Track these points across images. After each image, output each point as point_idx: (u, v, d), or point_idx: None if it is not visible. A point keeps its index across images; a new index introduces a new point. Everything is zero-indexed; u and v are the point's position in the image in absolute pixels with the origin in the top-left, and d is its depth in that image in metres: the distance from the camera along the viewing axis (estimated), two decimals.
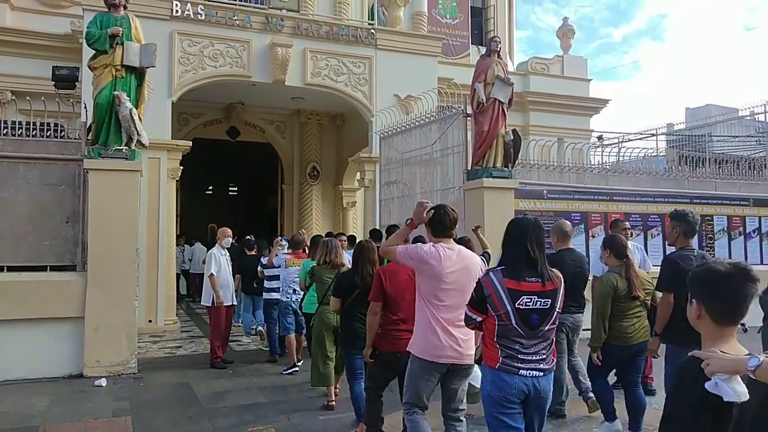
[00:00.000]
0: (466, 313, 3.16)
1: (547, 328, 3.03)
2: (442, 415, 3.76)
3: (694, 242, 4.47)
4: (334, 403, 5.64)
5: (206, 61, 11.01)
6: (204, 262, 8.35)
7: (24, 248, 7.17)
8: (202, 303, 8.20)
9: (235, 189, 25.52)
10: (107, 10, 7.51)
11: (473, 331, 3.42)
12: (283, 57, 11.24)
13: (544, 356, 3.04)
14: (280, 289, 7.59)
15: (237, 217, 21.46)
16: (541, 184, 9.73)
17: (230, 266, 8.04)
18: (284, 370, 7.26)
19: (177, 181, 11.11)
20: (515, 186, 8.71)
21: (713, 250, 10.87)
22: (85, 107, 7.89)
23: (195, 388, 6.60)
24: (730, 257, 10.54)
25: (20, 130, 7.40)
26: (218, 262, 7.73)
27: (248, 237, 10.38)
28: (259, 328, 9.10)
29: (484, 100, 8.32)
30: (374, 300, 4.17)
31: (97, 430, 5.13)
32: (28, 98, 8.27)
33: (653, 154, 13.78)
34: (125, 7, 7.60)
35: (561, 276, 3.15)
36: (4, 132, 7.35)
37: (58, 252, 7.29)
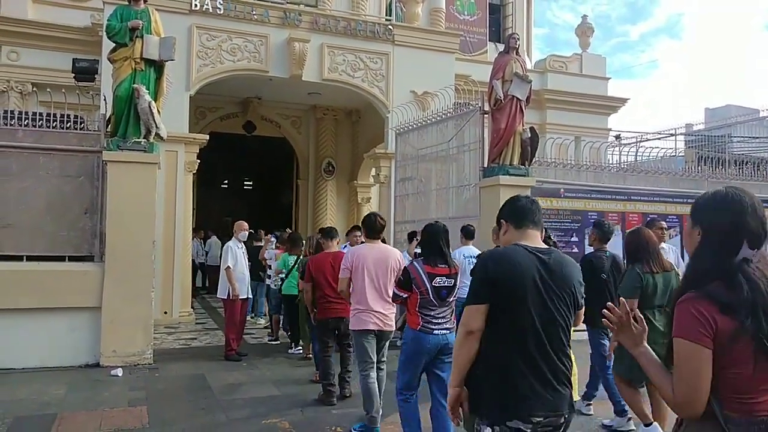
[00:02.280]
0: (394, 292, 4.36)
1: (451, 299, 4.19)
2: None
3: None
4: (311, 355, 7.15)
5: (224, 56, 11.05)
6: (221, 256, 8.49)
7: (43, 238, 7.26)
8: (218, 295, 8.25)
9: (251, 183, 25.64)
10: (127, 3, 7.58)
11: (393, 307, 4.83)
12: (300, 52, 11.26)
13: (448, 320, 4.19)
14: (271, 278, 8.98)
15: (252, 212, 21.53)
16: (558, 183, 9.66)
17: (247, 259, 8.09)
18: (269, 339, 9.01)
19: (194, 174, 11.19)
20: (532, 184, 8.66)
21: None
22: (105, 99, 7.96)
23: (209, 379, 6.65)
24: None
25: (41, 122, 7.49)
26: (235, 256, 7.78)
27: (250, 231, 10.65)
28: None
29: (502, 97, 8.28)
30: (305, 282, 5.95)
31: (113, 418, 5.18)
32: (48, 90, 8.37)
33: (672, 155, 13.63)
34: (145, 1, 7.67)
35: (459, 264, 4.41)
36: (25, 123, 7.44)
37: (76, 243, 7.38)
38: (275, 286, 8.72)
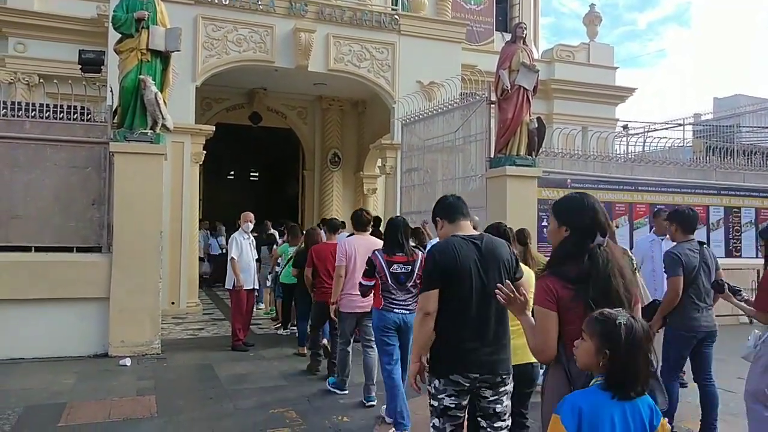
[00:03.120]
0: (360, 283, 4.90)
1: (410, 284, 4.76)
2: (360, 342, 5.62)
3: (720, 233, 4.57)
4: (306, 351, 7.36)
5: (230, 46, 11.03)
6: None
7: (51, 229, 7.30)
8: (225, 286, 8.30)
9: (257, 175, 25.67)
10: None
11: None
12: (306, 42, 11.22)
13: (410, 303, 4.75)
14: (279, 264, 9.30)
15: (259, 203, 21.57)
16: (565, 173, 9.62)
17: (253, 250, 8.11)
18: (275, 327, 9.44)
19: (200, 165, 11.21)
20: (538, 174, 8.62)
21: (740, 243, 10.68)
22: (111, 91, 7.97)
23: (217, 369, 6.69)
24: (757, 250, 10.35)
25: (47, 113, 7.51)
26: (240, 246, 7.80)
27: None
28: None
29: (509, 87, 8.22)
30: (308, 267, 6.62)
31: (121, 408, 5.23)
32: (55, 81, 8.39)
33: (680, 145, 13.54)
34: None
35: (419, 252, 4.89)
36: (32, 115, 7.46)
37: (84, 234, 7.41)
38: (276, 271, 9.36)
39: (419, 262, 4.72)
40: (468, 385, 2.89)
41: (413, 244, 5.67)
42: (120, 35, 7.51)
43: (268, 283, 10.56)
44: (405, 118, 10.89)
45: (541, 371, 3.34)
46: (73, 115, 7.59)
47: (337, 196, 15.31)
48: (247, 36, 11.13)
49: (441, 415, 2.93)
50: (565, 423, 1.95)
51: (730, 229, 10.61)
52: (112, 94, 7.87)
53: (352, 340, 5.72)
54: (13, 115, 7.41)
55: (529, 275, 3.53)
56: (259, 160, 23.88)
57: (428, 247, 7.03)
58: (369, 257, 4.86)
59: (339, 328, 5.88)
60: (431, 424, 2.98)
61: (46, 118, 7.48)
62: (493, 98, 8.63)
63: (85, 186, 7.46)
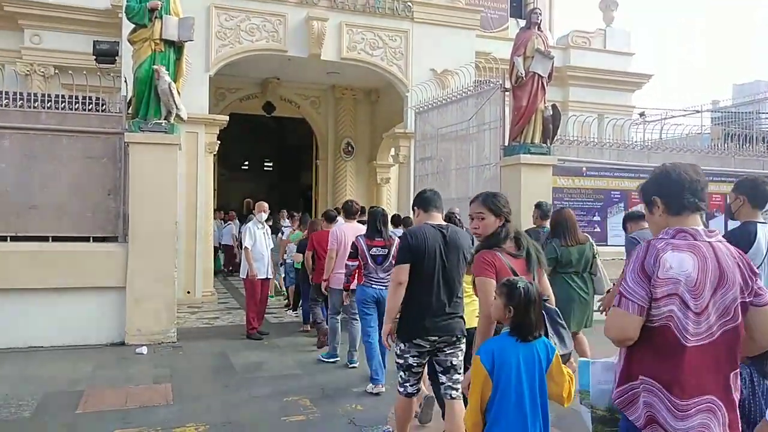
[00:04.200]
0: (346, 264, 5.78)
1: (386, 264, 5.45)
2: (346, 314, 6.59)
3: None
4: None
5: (243, 36, 11.02)
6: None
7: (68, 219, 7.37)
8: (240, 275, 8.34)
9: (271, 164, 25.74)
10: None
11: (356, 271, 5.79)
12: (318, 31, 11.18)
13: (386, 280, 5.29)
14: (287, 252, 9.65)
15: (272, 193, 21.68)
16: (581, 161, 9.52)
17: (268, 239, 8.14)
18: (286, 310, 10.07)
19: (214, 155, 11.25)
20: (553, 162, 8.54)
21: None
22: (126, 81, 8.01)
23: (232, 357, 6.74)
24: None
25: (63, 104, 7.56)
26: (253, 236, 7.83)
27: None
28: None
29: (524, 74, 8.14)
30: (308, 250, 7.60)
31: (138, 395, 5.29)
32: (70, 72, 8.43)
33: (698, 132, 13.33)
34: None
35: (395, 238, 5.39)
36: (48, 106, 7.51)
37: (100, 223, 7.48)
38: (291, 261, 9.53)
39: (395, 246, 5.23)
40: (428, 346, 3.64)
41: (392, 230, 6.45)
42: (133, 25, 7.52)
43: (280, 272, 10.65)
44: (418, 107, 10.83)
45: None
46: (89, 105, 7.63)
47: (350, 185, 15.30)
48: (260, 25, 11.11)
49: (406, 370, 3.71)
50: (483, 361, 2.58)
51: None
52: (127, 85, 7.90)
53: (341, 312, 6.61)
54: (30, 107, 7.47)
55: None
56: (272, 150, 23.95)
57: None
58: (353, 242, 5.70)
59: (329, 302, 6.80)
60: (398, 378, 3.77)
61: (62, 109, 7.53)
62: (508, 85, 8.55)
63: (101, 176, 7.51)
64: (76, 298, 7.17)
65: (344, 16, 11.57)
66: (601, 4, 16.97)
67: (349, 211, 6.68)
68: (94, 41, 10.01)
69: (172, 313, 7.50)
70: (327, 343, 6.84)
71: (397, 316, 3.68)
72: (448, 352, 3.66)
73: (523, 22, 9.87)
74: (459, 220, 5.31)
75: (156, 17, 7.36)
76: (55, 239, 7.30)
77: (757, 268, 2.84)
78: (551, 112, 8.29)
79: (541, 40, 8.32)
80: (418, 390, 3.85)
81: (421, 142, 10.84)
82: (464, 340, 3.71)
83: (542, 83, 8.23)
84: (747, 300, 2.07)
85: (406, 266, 3.63)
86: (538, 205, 6.61)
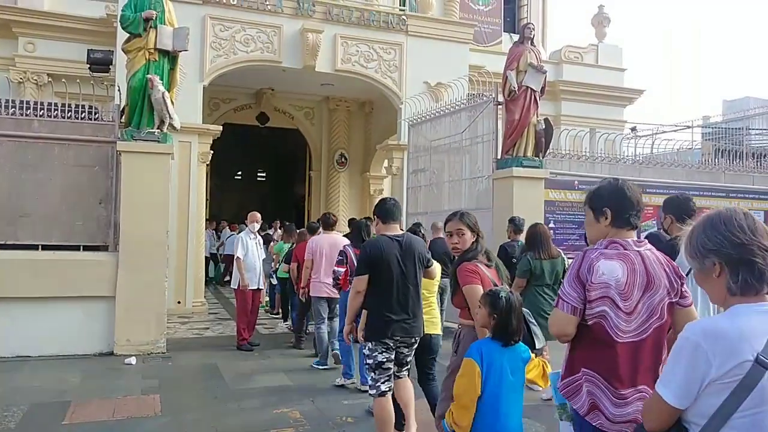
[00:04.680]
0: (334, 270, 5.91)
1: None
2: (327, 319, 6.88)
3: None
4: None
5: (237, 46, 11.06)
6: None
7: (58, 228, 7.33)
8: (232, 286, 8.30)
9: (264, 175, 25.71)
10: None
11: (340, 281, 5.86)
12: (313, 43, 11.23)
13: None
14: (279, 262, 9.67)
15: (265, 203, 21.63)
16: (572, 175, 9.57)
17: (260, 250, 8.12)
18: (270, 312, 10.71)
19: (207, 165, 11.23)
20: (546, 176, 8.59)
21: None
22: (119, 90, 8.00)
23: (222, 369, 6.69)
24: None
25: (56, 112, 7.54)
26: (245, 246, 7.80)
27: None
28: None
29: (516, 88, 8.20)
30: (292, 262, 8.04)
31: (126, 406, 5.23)
32: (63, 81, 8.43)
33: (688, 147, 13.45)
34: None
35: None
36: (41, 114, 7.49)
37: (91, 232, 7.44)
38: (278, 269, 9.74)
39: None
40: (392, 345, 4.00)
41: None
42: (128, 35, 7.53)
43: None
44: (412, 119, 10.88)
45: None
46: (81, 114, 7.62)
47: (343, 196, 15.30)
48: (255, 36, 11.15)
49: (376, 368, 3.99)
50: (474, 359, 2.85)
51: None
52: (120, 94, 7.89)
53: (326, 319, 6.82)
54: (22, 114, 7.44)
55: (435, 265, 4.58)
56: (266, 161, 23.92)
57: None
58: (341, 250, 6.00)
59: (313, 310, 7.04)
60: (369, 378, 4.09)
61: (55, 117, 7.51)
62: (501, 99, 8.61)
63: (92, 185, 7.48)
64: (66, 308, 7.10)
65: (339, 28, 11.64)
66: (593, 20, 17.15)
67: (326, 223, 7.11)
68: (88, 50, 10.01)
69: (162, 324, 7.44)
70: (297, 342, 7.71)
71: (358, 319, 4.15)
72: (405, 352, 4.14)
73: (516, 37, 9.96)
74: (423, 234, 5.53)
75: (151, 27, 7.38)
76: (45, 248, 7.24)
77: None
78: (544, 126, 8.34)
79: (534, 54, 8.39)
80: (390, 388, 4.06)
81: (415, 154, 10.87)
82: (417, 342, 4.18)
83: (535, 97, 8.29)
84: (673, 301, 2.30)
85: (365, 277, 4.00)
86: (512, 220, 6.93)
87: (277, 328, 9.56)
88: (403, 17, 12.16)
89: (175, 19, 7.74)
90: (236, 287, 7.83)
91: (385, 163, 13.06)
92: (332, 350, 6.76)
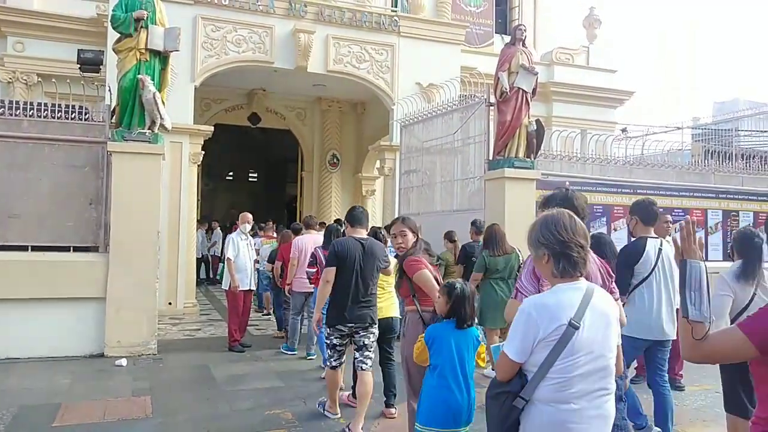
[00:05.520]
0: (306, 271, 6.66)
1: None
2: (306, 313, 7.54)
3: (718, 237, 4.57)
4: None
5: (229, 47, 11.03)
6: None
7: (48, 229, 7.28)
8: (222, 287, 8.28)
9: (256, 175, 25.65)
10: None
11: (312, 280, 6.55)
12: (305, 43, 11.22)
13: None
14: (259, 261, 9.51)
15: (257, 204, 21.59)
16: (564, 176, 9.60)
17: (251, 251, 8.10)
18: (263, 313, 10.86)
19: (198, 166, 11.19)
20: (537, 177, 8.61)
21: None
22: (110, 90, 7.95)
23: (213, 370, 6.67)
24: None
25: (46, 112, 7.49)
26: (237, 247, 7.79)
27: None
28: None
29: (508, 89, 8.22)
30: (277, 260, 8.41)
31: (117, 408, 5.20)
32: (53, 81, 8.38)
33: (678, 148, 13.54)
34: None
35: None
36: (30, 114, 7.44)
37: (81, 233, 7.39)
38: (263, 268, 9.73)
39: None
40: (347, 330, 4.72)
41: None
42: (119, 35, 7.49)
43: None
44: (404, 120, 10.89)
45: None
46: (72, 114, 7.57)
47: (335, 197, 15.29)
48: (247, 36, 11.12)
49: (331, 348, 4.82)
50: (425, 340, 3.45)
51: (728, 233, 10.60)
52: (111, 94, 7.85)
53: (301, 312, 7.57)
54: (12, 114, 7.38)
55: (392, 263, 5.22)
56: (257, 161, 23.87)
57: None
58: (312, 252, 6.62)
59: (291, 303, 7.71)
60: (326, 357, 5.09)
61: (45, 117, 7.46)
62: (492, 100, 8.63)
63: (82, 185, 7.44)
64: (56, 309, 7.05)
65: (331, 29, 11.63)
66: (584, 21, 17.25)
67: (308, 224, 7.92)
68: (78, 50, 9.93)
69: (153, 325, 7.41)
70: (285, 337, 7.98)
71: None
72: (362, 334, 4.77)
73: (507, 38, 9.99)
74: (383, 236, 6.10)
75: (142, 27, 7.35)
76: (35, 249, 7.19)
77: (648, 274, 4.42)
78: (535, 127, 8.37)
79: (526, 56, 8.41)
80: (341, 364, 4.95)
81: (407, 155, 10.88)
82: (375, 326, 4.84)
83: (526, 98, 8.31)
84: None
85: (333, 269, 4.69)
86: (473, 223, 7.55)
87: (269, 330, 9.52)
88: (395, 18, 12.18)
89: (166, 19, 7.72)
90: (227, 288, 7.80)
91: (378, 164, 13.06)
92: (314, 343, 7.22)
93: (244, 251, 7.90)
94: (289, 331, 7.76)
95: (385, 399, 5.25)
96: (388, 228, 9.01)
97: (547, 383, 2.15)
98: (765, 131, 21.29)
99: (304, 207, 15.88)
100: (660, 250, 4.46)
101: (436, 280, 4.13)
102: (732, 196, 10.79)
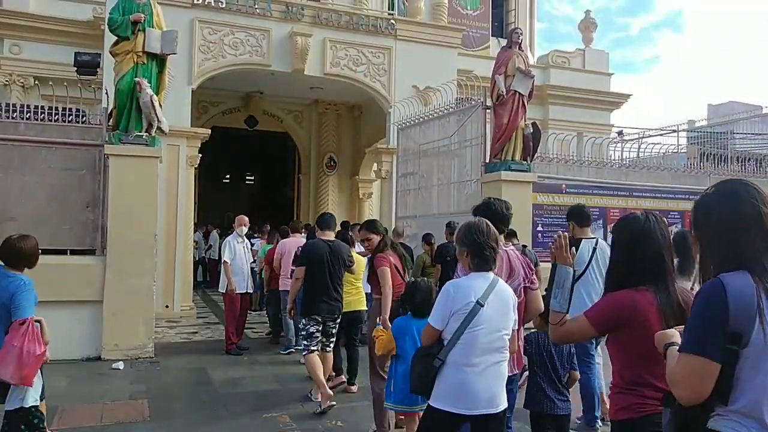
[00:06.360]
0: (291, 269, 6.60)
1: None
2: None
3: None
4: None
5: (226, 50, 11.03)
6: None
7: (45, 231, 7.21)
8: (219, 289, 8.27)
9: (253, 178, 25.62)
10: None
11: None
12: (302, 46, 11.23)
13: None
14: (255, 261, 9.80)
15: (254, 206, 21.56)
16: (560, 179, 9.65)
17: (248, 254, 8.09)
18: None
19: (195, 168, 11.19)
20: (533, 179, 8.65)
21: None
22: (107, 93, 7.96)
23: (210, 373, 6.66)
24: None
25: (43, 115, 7.49)
26: (233, 250, 7.78)
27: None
28: None
29: (505, 92, 8.26)
30: (264, 262, 8.82)
31: (114, 411, 5.20)
32: (50, 84, 8.36)
33: (674, 151, 13.61)
34: None
35: None
36: (27, 117, 7.43)
37: (78, 236, 7.38)
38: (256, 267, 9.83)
39: None
40: (320, 319, 5.42)
41: None
42: (116, 38, 7.49)
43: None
44: (401, 123, 10.91)
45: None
46: (69, 117, 7.56)
47: (332, 200, 15.30)
48: (244, 39, 11.13)
49: (308, 337, 5.42)
50: (393, 332, 3.82)
51: None
52: (108, 97, 7.85)
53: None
54: (8, 117, 7.38)
55: (359, 260, 5.99)
56: (254, 164, 23.85)
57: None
58: (295, 251, 7.05)
59: (281, 301, 7.87)
60: (303, 345, 5.61)
61: (42, 120, 7.45)
62: (489, 103, 8.66)
63: (79, 188, 7.43)
64: (52, 312, 6.89)
65: (328, 32, 11.65)
66: (580, 25, 17.32)
67: (294, 228, 8.32)
68: (75, 52, 9.93)
69: (150, 328, 7.39)
70: (275, 336, 8.43)
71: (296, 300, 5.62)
72: (331, 324, 5.55)
73: (504, 42, 10.03)
74: (351, 238, 6.81)
75: (139, 30, 7.35)
76: None
77: (583, 271, 4.89)
78: (531, 130, 8.41)
79: (522, 59, 8.46)
80: (316, 348, 5.46)
81: (404, 158, 10.90)
82: (339, 317, 5.58)
83: (523, 101, 8.35)
84: (526, 285, 3.42)
85: (303, 268, 5.45)
86: (448, 224, 7.72)
87: (266, 332, 9.49)
88: (392, 21, 12.21)
89: (164, 22, 7.72)
90: (224, 291, 7.80)
91: (375, 167, 13.08)
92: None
93: (241, 254, 7.89)
94: (284, 329, 8.05)
95: (348, 377, 6.07)
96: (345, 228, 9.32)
97: (457, 348, 2.81)
98: (760, 134, 21.39)
99: (301, 210, 15.89)
100: (594, 249, 5.02)
101: (399, 271, 5.08)
102: None
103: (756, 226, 1.67)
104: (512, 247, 3.52)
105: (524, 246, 6.49)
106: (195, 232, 13.22)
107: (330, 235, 5.60)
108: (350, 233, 7.21)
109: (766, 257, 1.66)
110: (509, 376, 3.16)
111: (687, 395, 1.65)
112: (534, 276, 3.51)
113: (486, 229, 2.97)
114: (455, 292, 2.85)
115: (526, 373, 3.81)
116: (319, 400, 5.32)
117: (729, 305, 1.59)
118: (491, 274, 2.93)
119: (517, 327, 3.19)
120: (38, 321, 3.93)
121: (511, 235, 7.21)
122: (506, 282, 3.12)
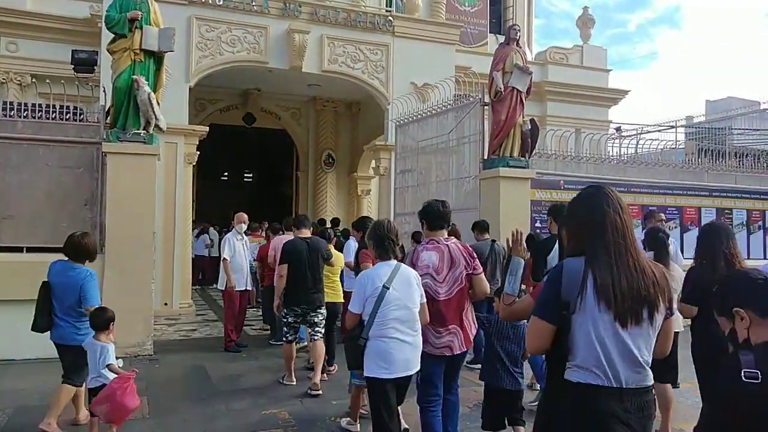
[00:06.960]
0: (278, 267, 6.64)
1: None
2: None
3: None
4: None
5: (224, 47, 11.02)
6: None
7: (43, 230, 7.25)
8: (218, 287, 8.28)
9: (251, 176, 25.60)
10: None
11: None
12: (300, 43, 11.22)
13: None
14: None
15: (252, 204, 21.53)
16: (558, 175, 9.65)
17: (247, 251, 8.09)
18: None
19: (193, 166, 11.18)
20: (532, 176, 8.64)
21: None
22: (104, 91, 7.93)
23: (209, 370, 6.67)
24: (748, 251, 10.42)
25: (40, 113, 7.47)
26: (233, 247, 7.78)
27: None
28: None
29: (502, 89, 8.25)
30: (257, 260, 9.23)
31: None
32: (47, 81, 8.35)
33: (672, 147, 13.61)
34: None
35: None
36: (24, 115, 7.42)
37: None
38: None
39: None
40: (300, 311, 5.94)
41: None
42: (113, 35, 7.47)
43: None
44: (399, 120, 10.90)
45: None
46: (66, 115, 7.55)
47: (330, 197, 15.30)
48: (241, 37, 11.12)
49: (287, 326, 6.01)
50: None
51: None
52: (105, 94, 7.84)
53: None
54: (6, 115, 7.37)
55: (337, 256, 6.71)
56: (252, 162, 23.82)
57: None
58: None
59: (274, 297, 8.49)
60: (283, 333, 6.13)
61: (39, 118, 7.44)
62: (487, 100, 8.65)
63: (77, 186, 7.42)
64: None
65: (326, 29, 11.63)
66: (578, 21, 17.31)
67: (287, 226, 8.30)
68: (72, 50, 9.91)
69: (149, 325, 7.39)
70: (271, 333, 8.43)
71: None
72: (312, 314, 5.99)
73: (502, 38, 10.02)
74: (329, 235, 7.23)
75: (136, 27, 7.32)
76: (30, 250, 7.16)
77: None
78: (530, 127, 8.40)
79: (520, 55, 8.45)
80: (295, 339, 6.12)
81: (402, 155, 10.90)
82: (323, 308, 6.07)
83: (521, 98, 8.34)
84: (469, 272, 3.92)
85: (285, 265, 5.89)
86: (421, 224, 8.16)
87: (264, 329, 9.50)
88: (390, 18, 12.19)
89: (161, 19, 7.70)
90: (223, 289, 7.80)
91: (373, 164, 13.08)
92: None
93: (240, 251, 7.89)
94: (276, 324, 8.14)
95: (327, 358, 6.45)
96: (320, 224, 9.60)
97: (375, 326, 3.50)
98: (758, 129, 21.41)
99: (300, 207, 15.88)
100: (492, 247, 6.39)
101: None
102: (725, 194, 10.86)
103: (600, 224, 2.17)
104: (454, 241, 4.02)
105: (494, 241, 7.11)
106: (193, 230, 13.19)
107: (306, 233, 6.20)
108: (329, 231, 7.59)
109: (601, 248, 2.12)
110: (460, 353, 3.88)
111: (531, 347, 2.28)
112: (476, 263, 3.99)
113: (387, 225, 3.78)
114: (367, 280, 3.58)
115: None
116: (288, 381, 6.08)
117: (562, 281, 2.11)
118: (394, 261, 3.63)
119: (464, 308, 3.91)
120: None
121: (483, 230, 7.32)
122: (448, 271, 3.85)
